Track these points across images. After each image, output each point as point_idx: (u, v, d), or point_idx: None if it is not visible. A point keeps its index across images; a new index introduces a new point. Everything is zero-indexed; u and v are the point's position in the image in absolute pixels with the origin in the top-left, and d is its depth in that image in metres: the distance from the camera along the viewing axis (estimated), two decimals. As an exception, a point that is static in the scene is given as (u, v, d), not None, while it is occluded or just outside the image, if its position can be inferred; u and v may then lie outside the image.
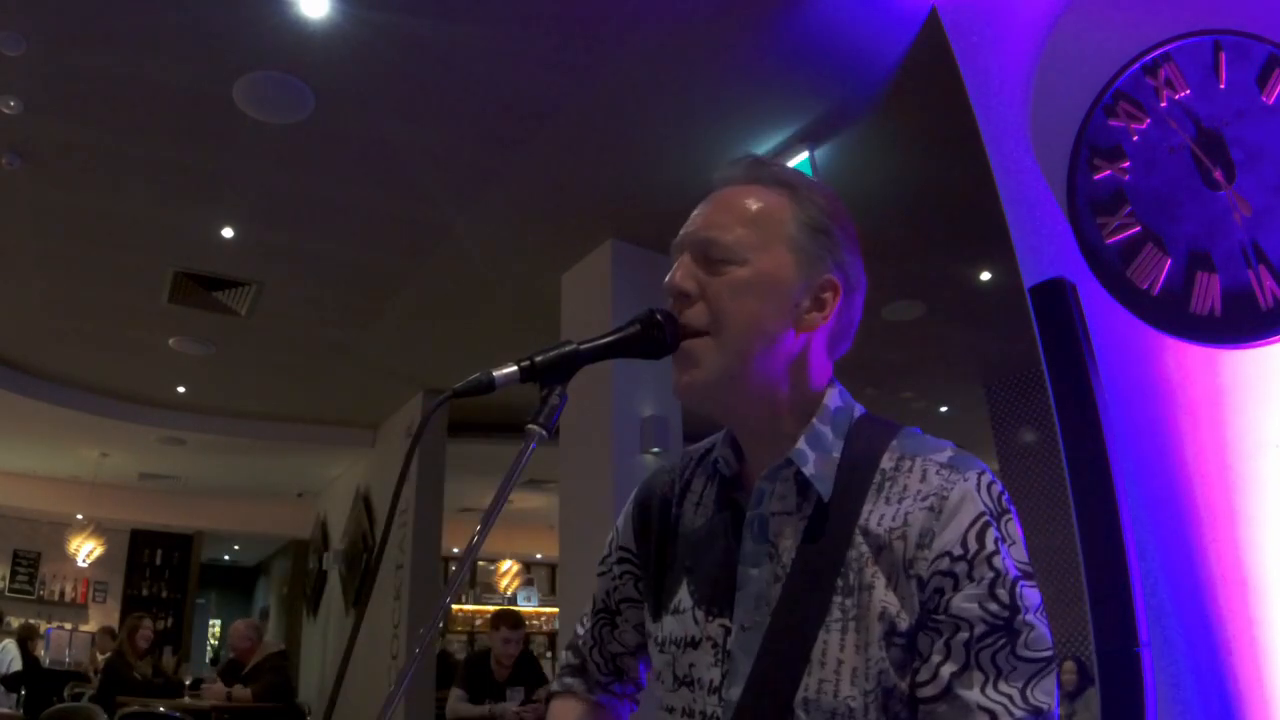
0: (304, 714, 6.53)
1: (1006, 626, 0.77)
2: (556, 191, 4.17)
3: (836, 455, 0.87)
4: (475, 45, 3.20)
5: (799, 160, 3.70)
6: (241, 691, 5.46)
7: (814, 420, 0.89)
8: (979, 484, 0.82)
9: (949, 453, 0.86)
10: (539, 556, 12.89)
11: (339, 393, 7.15)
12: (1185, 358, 2.01)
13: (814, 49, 3.19)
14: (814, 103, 3.50)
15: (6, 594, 9.40)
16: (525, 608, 11.94)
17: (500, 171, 4.00)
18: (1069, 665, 4.87)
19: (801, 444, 0.87)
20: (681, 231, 0.94)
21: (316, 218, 4.46)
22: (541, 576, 13.12)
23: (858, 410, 0.93)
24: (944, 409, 7.36)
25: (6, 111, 3.53)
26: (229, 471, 9.27)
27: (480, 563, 12.36)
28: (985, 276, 4.99)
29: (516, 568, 13.08)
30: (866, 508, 0.83)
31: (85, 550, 9.77)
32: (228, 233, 4.59)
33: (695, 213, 0.94)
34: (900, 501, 0.83)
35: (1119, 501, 1.77)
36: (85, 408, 7.12)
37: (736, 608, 0.86)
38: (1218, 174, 1.98)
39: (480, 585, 12.65)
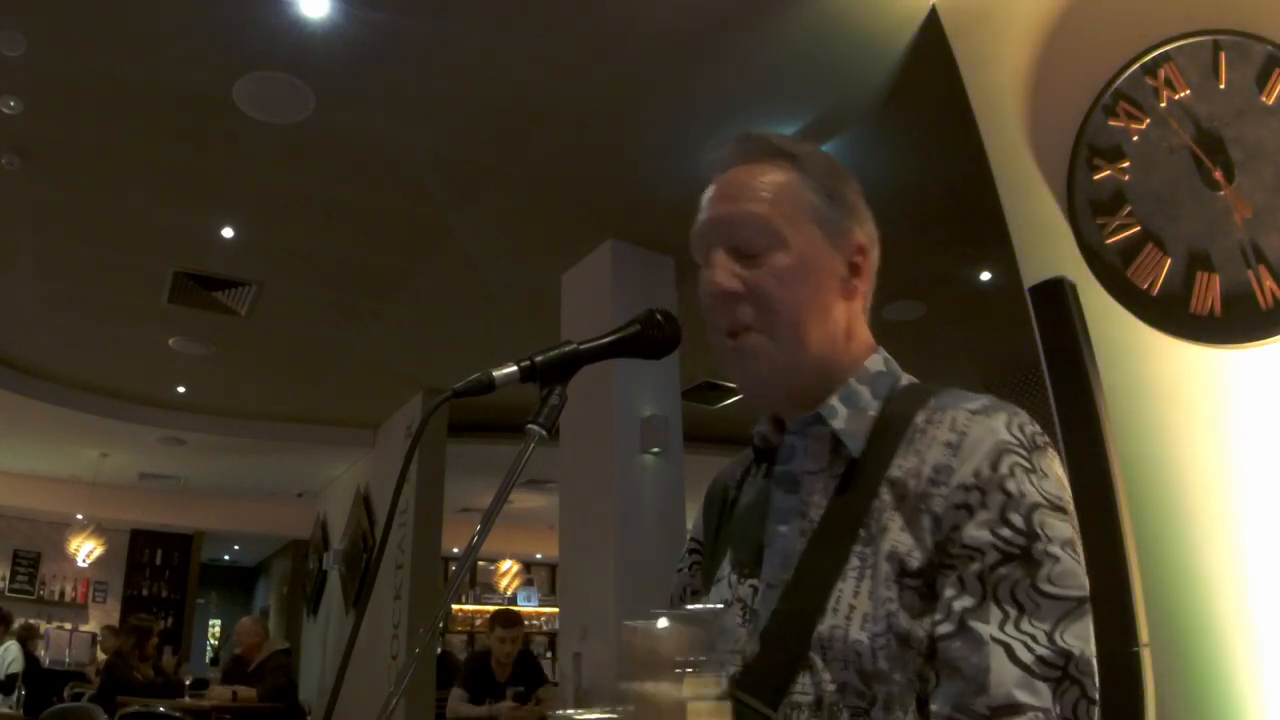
0: (304, 713, 6.53)
1: (1024, 555, 0.72)
2: (556, 191, 4.17)
3: (872, 414, 0.85)
4: (475, 45, 3.20)
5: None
6: (246, 692, 5.47)
7: (850, 379, 0.88)
8: (1008, 422, 0.79)
9: (983, 401, 0.82)
10: (539, 556, 12.89)
11: (339, 393, 7.14)
12: (1185, 358, 2.01)
13: (814, 49, 3.19)
14: (814, 103, 3.50)
15: (6, 594, 9.40)
16: (525, 608, 11.94)
17: (500, 171, 3.99)
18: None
19: (834, 400, 0.86)
20: (700, 226, 0.90)
21: (316, 218, 4.46)
22: (541, 576, 13.12)
23: (905, 379, 0.91)
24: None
25: (6, 111, 3.53)
26: (229, 471, 9.27)
27: (480, 563, 12.36)
28: (985, 276, 4.99)
29: (516, 568, 13.08)
30: (895, 461, 0.81)
31: (85, 550, 9.77)
32: (228, 233, 4.59)
33: (707, 202, 0.91)
34: (928, 450, 0.80)
35: (1119, 501, 1.76)
36: (85, 408, 7.12)
37: (764, 566, 0.86)
38: (1217, 174, 1.98)
39: (480, 585, 12.66)
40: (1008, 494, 0.74)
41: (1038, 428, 0.80)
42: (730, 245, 0.87)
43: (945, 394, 0.85)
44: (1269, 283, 1.87)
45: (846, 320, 0.89)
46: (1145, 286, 2.08)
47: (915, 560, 0.75)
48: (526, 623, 9.04)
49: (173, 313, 5.53)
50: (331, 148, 3.83)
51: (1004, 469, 0.75)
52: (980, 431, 0.78)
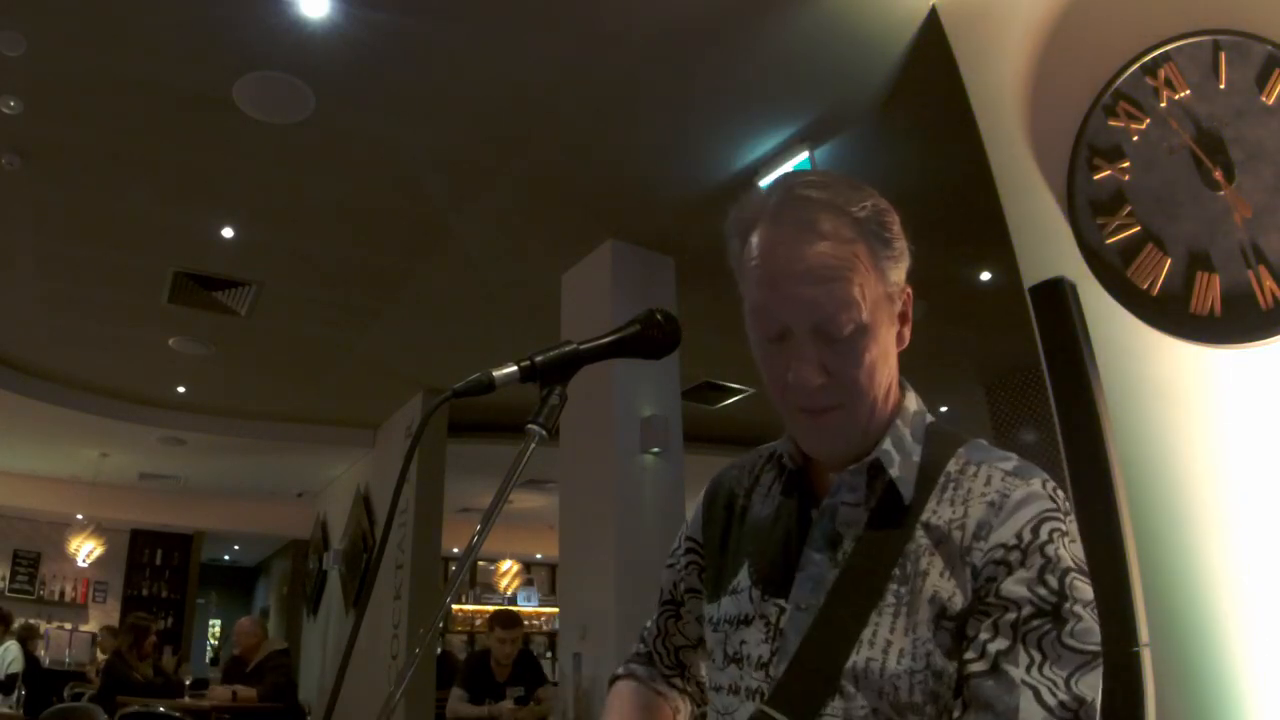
0: (304, 713, 6.53)
1: (1054, 612, 0.80)
2: (556, 191, 4.17)
3: (917, 459, 0.90)
4: (475, 45, 3.20)
5: (799, 160, 3.70)
6: (246, 692, 5.47)
7: (897, 421, 0.92)
8: (1043, 487, 0.86)
9: (1014, 462, 0.89)
10: (539, 556, 12.90)
11: (339, 393, 7.14)
12: (1185, 357, 2.01)
13: (814, 49, 3.19)
14: (814, 103, 3.50)
15: (6, 594, 9.40)
16: (525, 608, 11.94)
17: (500, 171, 4.00)
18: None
19: (888, 445, 0.90)
20: (780, 302, 0.85)
21: (316, 218, 4.46)
22: (541, 576, 13.13)
23: (927, 415, 0.96)
24: (944, 409, 7.36)
25: (6, 111, 3.53)
26: (229, 471, 9.27)
27: (480, 563, 12.37)
28: (985, 276, 4.99)
29: (516, 568, 13.09)
30: (930, 506, 0.87)
31: (85, 550, 9.77)
32: (228, 233, 4.59)
33: (784, 270, 0.85)
34: (965, 503, 0.86)
35: (1119, 501, 1.76)
36: (85, 408, 7.12)
37: (795, 588, 0.89)
38: (1217, 174, 1.98)
39: (480, 585, 12.66)
40: (1047, 558, 0.82)
41: (1061, 490, 0.88)
42: (816, 328, 0.85)
43: (972, 446, 0.92)
44: (1269, 283, 1.87)
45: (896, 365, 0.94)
46: (1145, 286, 2.08)
47: (956, 605, 0.82)
48: (526, 623, 9.05)
49: (173, 313, 5.53)
50: (331, 148, 3.83)
51: (1044, 534, 0.83)
52: (1020, 496, 0.85)
